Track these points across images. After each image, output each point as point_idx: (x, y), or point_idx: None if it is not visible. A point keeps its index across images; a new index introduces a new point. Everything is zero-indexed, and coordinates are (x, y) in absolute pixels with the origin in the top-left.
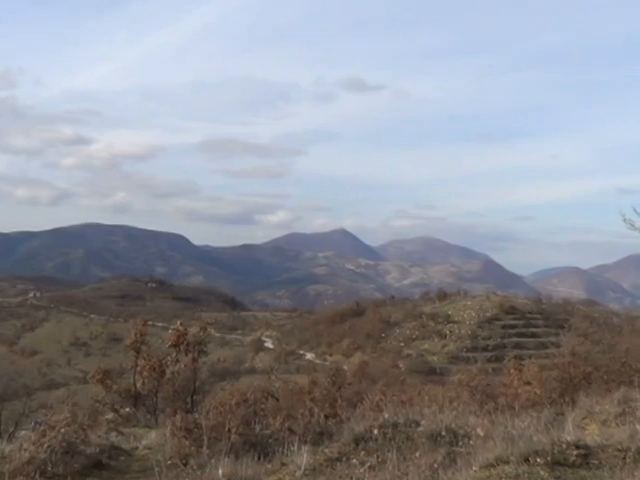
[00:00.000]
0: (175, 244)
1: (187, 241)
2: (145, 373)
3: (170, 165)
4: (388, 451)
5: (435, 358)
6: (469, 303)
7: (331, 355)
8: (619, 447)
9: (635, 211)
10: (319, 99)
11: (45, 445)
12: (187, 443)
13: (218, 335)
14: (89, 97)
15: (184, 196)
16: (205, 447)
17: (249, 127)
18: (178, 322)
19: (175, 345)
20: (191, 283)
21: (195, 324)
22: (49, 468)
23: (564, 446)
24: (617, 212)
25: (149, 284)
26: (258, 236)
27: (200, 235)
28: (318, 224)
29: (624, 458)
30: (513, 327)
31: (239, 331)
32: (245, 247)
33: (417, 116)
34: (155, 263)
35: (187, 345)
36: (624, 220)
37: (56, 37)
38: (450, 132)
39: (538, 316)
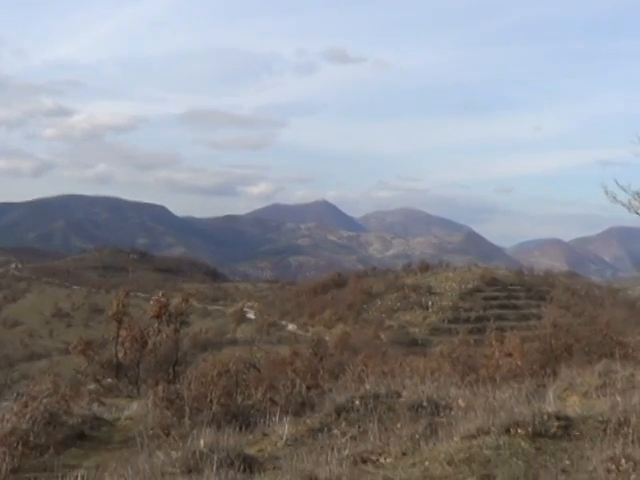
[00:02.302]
0: (157, 215)
1: (169, 212)
2: (127, 344)
3: (152, 136)
4: (369, 422)
5: (417, 329)
6: (451, 275)
7: (313, 326)
8: (600, 418)
9: (617, 183)
10: (301, 70)
11: (27, 416)
12: (169, 414)
13: (200, 306)
14: (71, 68)
15: (166, 167)
16: (187, 417)
17: (231, 98)
18: (160, 293)
19: (157, 316)
20: (173, 254)
21: (177, 295)
22: (31, 439)
23: (545, 417)
24: (599, 184)
25: (131, 255)
26: (240, 207)
27: (182, 206)
28: (300, 195)
29: (605, 429)
30: (495, 299)
31: (221, 302)
32: (227, 218)
33: (399, 87)
34: (137, 234)
35: (169, 316)
36: (606, 193)
37: (37, 7)
38: (433, 103)
39: (520, 288)
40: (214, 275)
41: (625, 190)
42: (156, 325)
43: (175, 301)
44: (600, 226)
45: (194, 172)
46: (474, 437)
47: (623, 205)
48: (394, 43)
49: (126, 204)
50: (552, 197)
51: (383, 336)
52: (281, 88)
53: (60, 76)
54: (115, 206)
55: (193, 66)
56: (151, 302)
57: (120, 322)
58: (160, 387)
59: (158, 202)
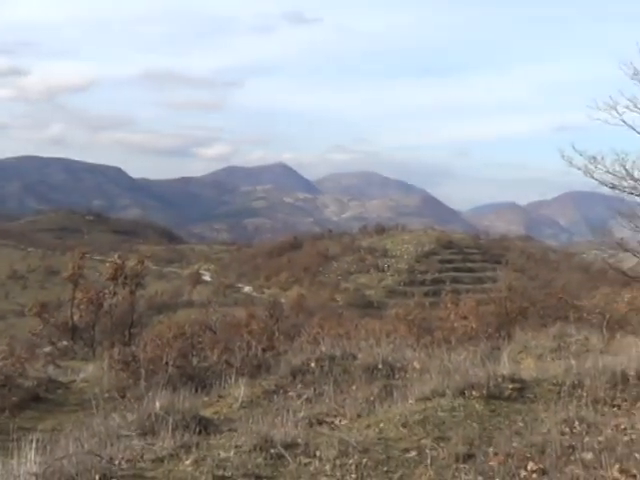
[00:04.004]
0: (112, 177)
1: (124, 174)
2: (83, 306)
3: (108, 97)
4: (325, 384)
5: (373, 292)
6: (407, 237)
7: (269, 288)
8: (554, 381)
9: (574, 148)
10: (259, 31)
11: None
12: (124, 376)
13: (155, 268)
14: (25, 28)
15: (122, 128)
16: (142, 380)
17: (188, 59)
18: (115, 255)
19: (113, 278)
20: (128, 216)
21: (132, 257)
22: None
23: (499, 380)
24: (556, 149)
25: (86, 217)
26: (196, 169)
27: (138, 168)
28: (256, 157)
29: (559, 392)
30: (450, 262)
31: (177, 264)
32: (183, 180)
33: (357, 50)
34: (92, 196)
35: (125, 278)
36: (562, 157)
37: None
38: (390, 67)
39: (475, 251)
40: (170, 237)
41: (581, 154)
42: (112, 287)
43: (131, 263)
44: (556, 190)
45: (150, 133)
46: (429, 399)
47: (579, 169)
48: (353, 5)
49: (81, 165)
50: (508, 161)
51: (339, 298)
52: (238, 49)
53: (14, 36)
54: (70, 168)
55: (150, 27)
56: (107, 264)
57: (76, 284)
58: (116, 349)
59: (113, 164)
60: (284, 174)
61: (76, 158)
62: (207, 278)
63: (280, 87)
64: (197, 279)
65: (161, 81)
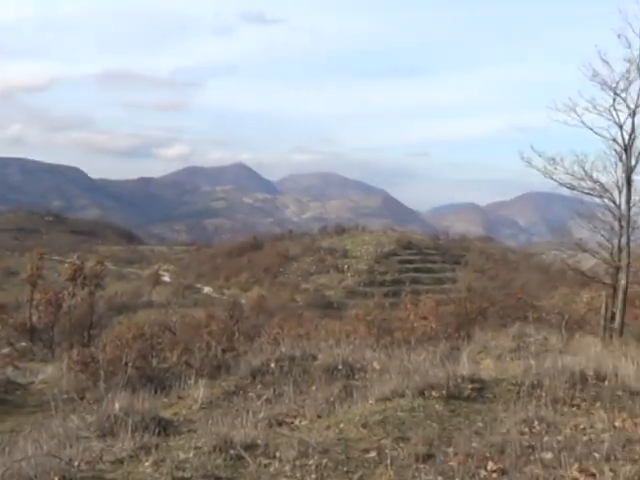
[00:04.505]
0: (71, 177)
1: (84, 174)
2: (41, 307)
3: (67, 97)
4: (285, 384)
5: (333, 292)
6: (367, 238)
7: (229, 289)
8: (513, 381)
9: (533, 149)
10: (219, 32)
11: None
12: (84, 377)
13: (115, 269)
14: None
15: (81, 128)
16: (102, 381)
17: (148, 59)
18: (75, 256)
19: (72, 279)
20: (87, 216)
21: (92, 258)
22: None
23: (459, 380)
24: (515, 149)
25: (45, 217)
26: (156, 170)
27: (97, 168)
28: (216, 158)
29: (518, 392)
30: (410, 262)
31: (136, 265)
32: (142, 180)
33: (318, 51)
34: (51, 196)
35: (84, 279)
36: (522, 158)
37: None
38: (353, 68)
39: (435, 252)
40: (129, 238)
41: (540, 155)
42: (71, 288)
43: (90, 264)
44: (515, 191)
45: (109, 134)
46: (389, 400)
47: (538, 170)
48: (313, 6)
49: (40, 166)
50: (468, 162)
51: (299, 299)
52: (199, 49)
53: None
54: (29, 168)
55: (109, 27)
56: (66, 265)
57: (34, 285)
58: (75, 350)
59: (73, 164)
60: (244, 174)
61: (35, 158)
62: (167, 279)
63: (241, 88)
64: (157, 280)
65: (121, 81)
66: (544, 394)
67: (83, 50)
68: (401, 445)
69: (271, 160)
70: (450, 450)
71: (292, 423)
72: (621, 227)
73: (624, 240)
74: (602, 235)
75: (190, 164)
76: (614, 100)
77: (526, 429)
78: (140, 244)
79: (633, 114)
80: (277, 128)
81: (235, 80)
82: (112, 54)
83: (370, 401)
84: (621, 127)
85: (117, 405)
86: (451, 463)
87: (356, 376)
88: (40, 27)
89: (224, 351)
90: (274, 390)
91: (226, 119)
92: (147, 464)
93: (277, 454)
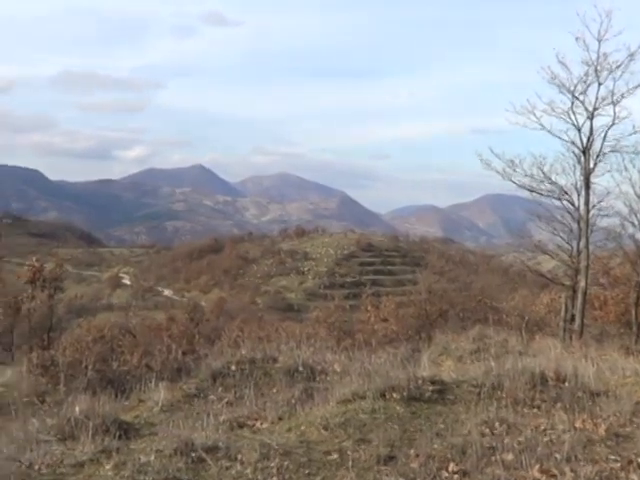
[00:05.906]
0: (30, 179)
1: (43, 176)
2: (0, 310)
3: (25, 99)
4: (246, 387)
5: (293, 295)
6: (327, 240)
7: (189, 291)
8: (474, 383)
9: (492, 151)
10: (179, 33)
11: None
12: (43, 380)
13: (74, 271)
14: None
15: (40, 130)
16: (62, 384)
17: (107, 60)
18: (34, 258)
19: (31, 281)
20: (47, 219)
21: (51, 260)
22: None
23: (420, 382)
24: (474, 152)
25: (4, 220)
26: (115, 171)
27: (56, 170)
28: (176, 159)
29: (479, 394)
30: (370, 264)
31: (96, 267)
32: (102, 182)
33: (278, 53)
34: (10, 198)
35: (43, 281)
36: (481, 160)
37: None
38: (314, 70)
39: (395, 254)
40: (89, 240)
41: (499, 157)
42: (30, 291)
43: (49, 266)
44: (474, 193)
45: (68, 135)
46: (350, 401)
47: (497, 172)
48: (273, 8)
49: None
50: (427, 164)
51: (259, 301)
52: (158, 50)
53: None
54: None
55: (68, 27)
56: (25, 267)
57: None
58: (34, 353)
59: (32, 166)
60: (204, 176)
61: None
62: (127, 281)
63: (201, 89)
64: (117, 282)
65: (81, 82)
66: (505, 395)
67: (44, 51)
68: (362, 447)
69: (231, 161)
70: (411, 452)
71: (253, 426)
72: (580, 229)
73: (583, 242)
74: (561, 237)
75: (150, 166)
76: (572, 103)
77: (487, 430)
78: (100, 246)
79: (591, 117)
80: (237, 129)
81: (195, 81)
82: (72, 55)
83: (331, 403)
84: (579, 130)
85: (77, 408)
86: (412, 465)
87: (317, 378)
88: None
89: (184, 353)
90: (235, 393)
91: (186, 121)
92: (108, 467)
93: (239, 457)
